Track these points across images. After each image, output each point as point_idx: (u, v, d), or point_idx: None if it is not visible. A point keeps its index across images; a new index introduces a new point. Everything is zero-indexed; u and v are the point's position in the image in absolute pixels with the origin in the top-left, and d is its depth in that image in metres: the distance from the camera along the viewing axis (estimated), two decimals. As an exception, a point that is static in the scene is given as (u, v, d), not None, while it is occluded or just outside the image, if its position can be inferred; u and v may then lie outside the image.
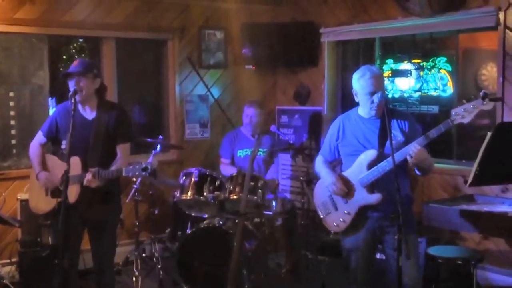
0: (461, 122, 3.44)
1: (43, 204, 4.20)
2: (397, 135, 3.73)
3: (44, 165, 4.24)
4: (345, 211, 3.85)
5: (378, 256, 4.24)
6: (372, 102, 3.70)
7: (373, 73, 3.71)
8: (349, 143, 3.87)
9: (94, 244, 4.22)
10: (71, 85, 4.00)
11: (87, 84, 4.04)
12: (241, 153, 5.75)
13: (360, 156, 3.77)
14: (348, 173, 3.86)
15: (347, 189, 3.82)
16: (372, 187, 3.74)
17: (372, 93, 3.68)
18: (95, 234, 4.20)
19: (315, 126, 6.64)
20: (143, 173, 3.88)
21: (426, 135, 3.53)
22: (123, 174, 3.94)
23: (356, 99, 3.84)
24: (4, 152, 5.57)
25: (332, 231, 4.05)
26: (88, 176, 3.91)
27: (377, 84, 3.69)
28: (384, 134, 3.67)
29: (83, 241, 4.27)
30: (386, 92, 3.82)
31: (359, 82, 3.75)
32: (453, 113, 3.47)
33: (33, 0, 5.58)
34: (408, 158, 3.54)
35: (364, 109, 3.80)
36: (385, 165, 3.61)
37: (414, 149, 3.51)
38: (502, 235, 4.61)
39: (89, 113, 4.14)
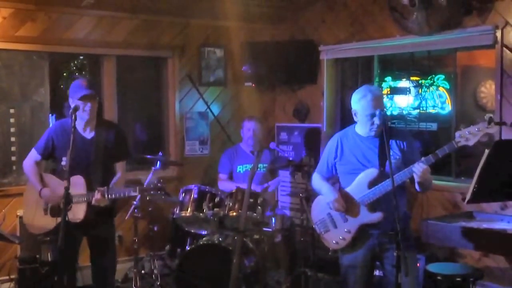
0: (465, 145, 3.46)
1: (41, 222, 4.21)
2: (395, 153, 3.75)
3: (43, 184, 4.26)
4: (345, 229, 3.85)
5: (376, 273, 4.24)
6: (373, 123, 3.71)
7: (374, 95, 3.72)
8: (348, 162, 3.88)
9: (96, 261, 4.23)
10: (82, 105, 4.05)
11: (96, 104, 4.15)
12: (240, 169, 5.76)
13: (360, 175, 3.78)
14: (347, 191, 3.87)
15: (348, 207, 3.82)
16: (373, 205, 3.75)
17: (372, 115, 3.69)
18: (98, 251, 4.22)
19: (314, 142, 6.66)
20: (158, 192, 3.96)
21: (434, 154, 3.56)
22: (137, 193, 4.04)
23: (355, 119, 3.84)
24: (4, 169, 5.57)
25: (331, 249, 4.05)
26: (97, 195, 3.93)
27: (378, 106, 3.70)
28: (384, 153, 3.69)
29: (82, 257, 4.28)
30: (385, 110, 3.83)
31: (359, 102, 3.75)
32: (458, 135, 3.48)
33: (34, 18, 5.62)
34: (415, 176, 3.57)
35: (364, 129, 3.81)
36: (388, 184, 3.60)
37: (419, 168, 3.54)
38: (502, 252, 4.60)
39: (88, 132, 4.18)
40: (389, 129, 3.85)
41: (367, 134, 3.80)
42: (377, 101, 3.71)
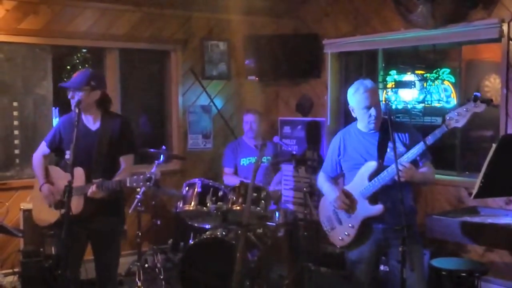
0: (455, 126, 3.46)
1: (47, 215, 4.19)
2: (398, 146, 3.73)
3: (47, 177, 4.24)
4: (349, 225, 3.84)
5: (382, 268, 4.23)
6: (370, 116, 3.72)
7: (366, 87, 3.73)
8: (351, 158, 3.88)
9: (98, 255, 4.21)
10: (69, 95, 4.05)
11: (83, 97, 4.03)
12: (244, 162, 5.75)
13: (361, 169, 3.78)
14: (350, 186, 3.86)
15: (351, 203, 3.81)
16: (374, 198, 3.73)
17: (368, 107, 3.70)
18: (99, 245, 4.18)
19: (317, 136, 6.64)
20: (147, 183, 3.88)
21: (423, 141, 3.55)
22: (127, 185, 3.93)
23: (354, 115, 3.86)
24: (7, 162, 5.57)
25: (338, 246, 4.01)
26: (92, 187, 3.90)
27: (372, 98, 3.71)
28: (383, 146, 3.71)
29: (85, 252, 4.26)
30: (389, 103, 3.83)
31: (354, 97, 3.77)
32: (447, 118, 3.49)
33: (37, 11, 5.60)
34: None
35: (362, 123, 3.82)
36: (385, 175, 3.62)
37: (401, 168, 3.52)
38: (506, 247, 4.58)
39: (92, 124, 4.14)
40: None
41: (367, 128, 3.80)
42: (371, 94, 3.71)
